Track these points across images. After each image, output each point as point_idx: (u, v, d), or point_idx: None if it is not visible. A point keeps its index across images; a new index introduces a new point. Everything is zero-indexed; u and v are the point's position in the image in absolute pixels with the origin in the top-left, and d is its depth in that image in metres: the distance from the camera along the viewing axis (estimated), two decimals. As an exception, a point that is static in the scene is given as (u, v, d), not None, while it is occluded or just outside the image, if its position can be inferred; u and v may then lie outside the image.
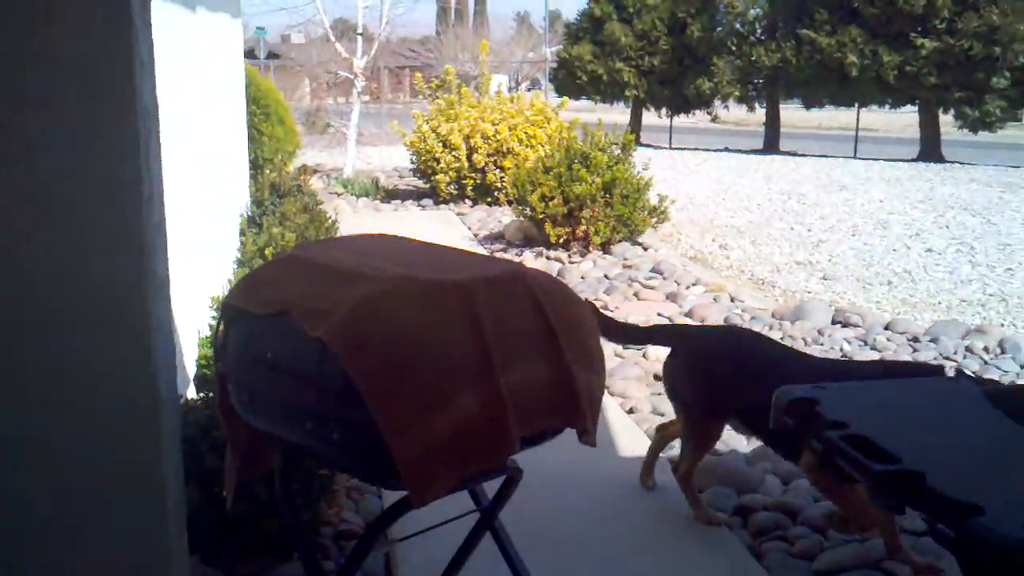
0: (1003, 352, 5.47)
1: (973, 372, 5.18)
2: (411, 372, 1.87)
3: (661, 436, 3.88)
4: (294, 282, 2.09)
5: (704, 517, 3.53)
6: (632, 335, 4.00)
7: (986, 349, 5.50)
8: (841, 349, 5.62)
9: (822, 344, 5.70)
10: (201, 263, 4.70)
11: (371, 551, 2.14)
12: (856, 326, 6.03)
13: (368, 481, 3.08)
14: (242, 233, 6.40)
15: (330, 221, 6.82)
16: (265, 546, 2.97)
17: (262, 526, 2.91)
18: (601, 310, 4.02)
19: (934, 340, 5.70)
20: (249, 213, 6.98)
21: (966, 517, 1.09)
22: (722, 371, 3.45)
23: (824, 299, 6.89)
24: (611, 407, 4.71)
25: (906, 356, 5.43)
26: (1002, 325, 6.19)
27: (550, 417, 2.09)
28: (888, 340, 5.72)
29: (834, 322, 6.16)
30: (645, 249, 8.52)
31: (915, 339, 5.75)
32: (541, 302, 2.09)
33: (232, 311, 2.13)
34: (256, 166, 9.98)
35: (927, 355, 5.40)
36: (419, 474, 1.85)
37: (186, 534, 1.84)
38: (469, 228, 9.84)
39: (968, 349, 5.52)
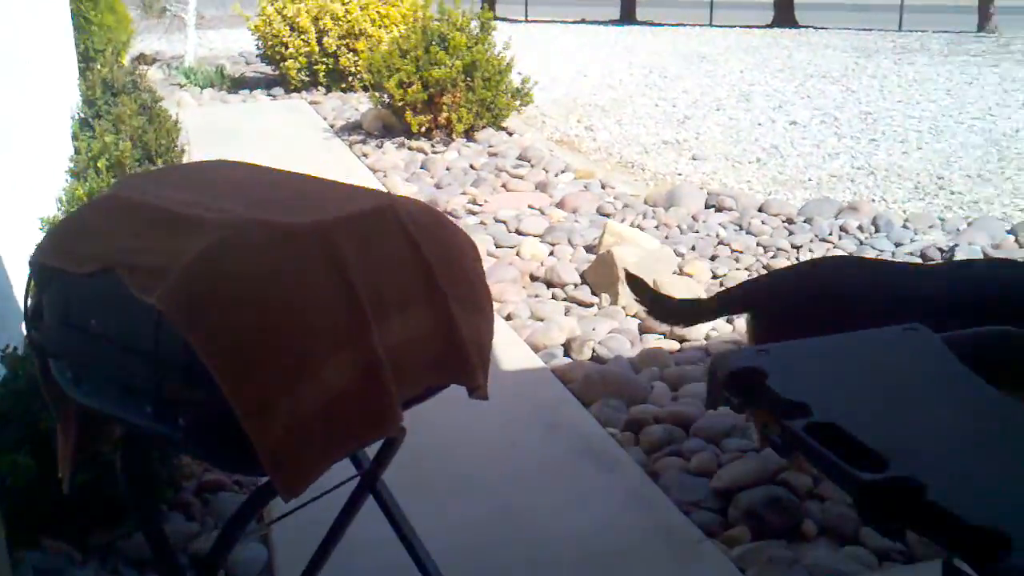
0: (877, 230, 5.42)
1: (849, 253, 5.12)
2: (267, 340, 1.55)
3: None
4: (118, 231, 1.72)
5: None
6: (698, 312, 3.29)
7: (860, 228, 5.45)
8: (717, 235, 5.48)
9: (697, 231, 5.56)
10: (22, 179, 4.19)
11: (235, 543, 1.84)
12: (730, 210, 5.90)
13: (226, 470, 2.75)
14: (75, 138, 5.82)
15: (171, 121, 6.28)
16: (119, 513, 2.64)
17: (113, 492, 2.58)
18: (649, 286, 3.35)
19: (808, 221, 5.62)
20: (80, 115, 6.37)
21: (989, 553, 0.86)
22: (823, 320, 2.94)
23: (695, 181, 6.75)
24: (488, 313, 4.47)
25: (782, 240, 5.32)
26: (873, 200, 6.15)
27: (435, 373, 1.81)
28: (763, 224, 5.61)
29: (707, 206, 6.02)
30: (510, 134, 8.21)
31: (790, 220, 5.66)
32: (416, 238, 1.78)
33: (44, 271, 1.75)
34: (87, 59, 9.18)
35: (803, 238, 5.31)
36: (285, 462, 1.55)
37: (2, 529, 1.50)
38: (324, 118, 9.32)
39: (843, 229, 5.45)
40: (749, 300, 3.11)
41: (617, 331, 4.31)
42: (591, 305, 4.64)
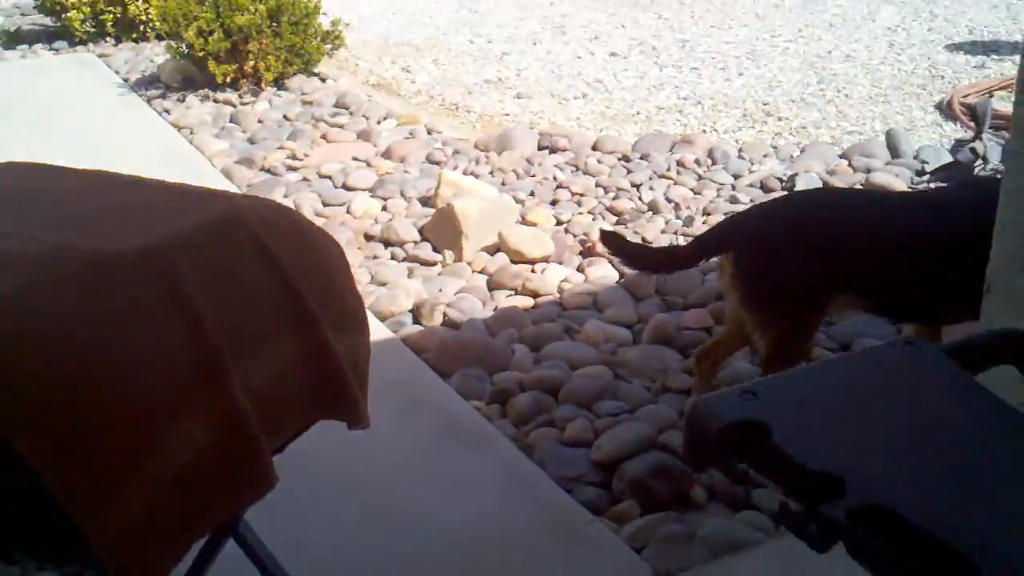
0: (714, 163, 5.33)
1: (691, 189, 5.01)
2: (95, 405, 1.23)
3: (711, 362, 3.10)
4: None
5: None
6: (676, 259, 3.12)
7: (697, 162, 5.34)
8: (554, 178, 5.27)
9: (534, 175, 5.34)
10: None
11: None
12: (564, 150, 5.68)
13: (58, 565, 2.36)
14: None
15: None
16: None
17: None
18: (625, 239, 3.22)
19: (644, 157, 5.47)
20: None
21: None
22: (810, 256, 2.76)
23: (524, 121, 6.51)
24: (326, 283, 4.13)
25: (621, 179, 5.17)
26: (704, 131, 6.07)
27: (310, 410, 1.53)
28: (599, 163, 5.43)
29: (541, 148, 5.78)
30: (323, 80, 7.74)
31: (625, 158, 5.51)
32: (272, 250, 1.48)
33: None
34: None
35: (642, 175, 5.17)
36: (132, 554, 1.24)
37: None
38: (117, 72, 8.57)
39: (680, 163, 5.33)
40: (726, 241, 2.91)
41: (466, 290, 4.07)
42: (435, 264, 4.37)
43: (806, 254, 2.75)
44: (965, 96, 6.25)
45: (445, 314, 3.83)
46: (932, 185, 4.76)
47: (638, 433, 2.91)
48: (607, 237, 3.14)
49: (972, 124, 5.39)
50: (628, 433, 2.92)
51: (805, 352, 2.95)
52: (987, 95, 6.08)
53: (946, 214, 2.72)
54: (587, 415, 3.11)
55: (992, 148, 4.92)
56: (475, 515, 2.70)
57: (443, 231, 4.46)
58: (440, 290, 4.05)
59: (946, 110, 6.13)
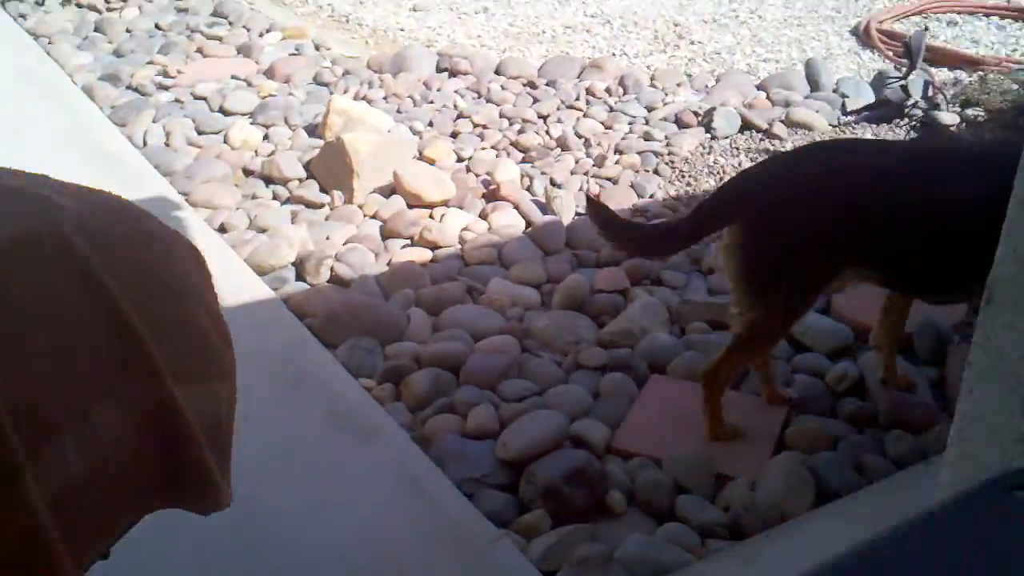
0: (625, 92, 4.96)
1: (601, 122, 4.65)
2: None
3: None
4: None
5: (723, 435, 2.57)
6: (675, 239, 2.61)
7: (608, 91, 4.96)
8: (455, 106, 4.85)
9: (432, 101, 4.90)
10: None
11: None
12: (465, 73, 5.24)
13: None
14: None
15: None
16: None
17: None
18: (614, 213, 2.64)
19: (551, 84, 5.07)
20: None
21: None
22: (828, 212, 2.33)
23: (421, 38, 6.02)
24: (197, 228, 3.67)
25: (527, 108, 4.77)
26: (614, 55, 5.68)
27: (146, 501, 1.14)
28: (503, 89, 5.01)
29: (440, 70, 5.33)
30: (200, -16, 7.08)
31: (531, 84, 5.09)
32: (101, 278, 1.07)
33: None
34: None
35: (549, 104, 4.78)
36: None
37: None
38: (-34, -33, 7.73)
39: (590, 92, 4.95)
40: (729, 212, 2.43)
41: (356, 239, 3.67)
42: (322, 206, 3.94)
43: (819, 218, 2.33)
44: (881, 22, 6.00)
45: (333, 269, 3.42)
46: (859, 125, 4.50)
47: (549, 425, 2.57)
48: (593, 206, 2.61)
49: (902, 57, 5.10)
50: (538, 426, 2.58)
51: (778, 340, 2.66)
52: (922, 28, 5.82)
53: (987, 171, 2.12)
54: (492, 398, 2.77)
55: (915, 82, 4.66)
56: (359, 525, 2.34)
57: (332, 168, 4.02)
58: (327, 238, 3.64)
59: (863, 37, 5.87)
